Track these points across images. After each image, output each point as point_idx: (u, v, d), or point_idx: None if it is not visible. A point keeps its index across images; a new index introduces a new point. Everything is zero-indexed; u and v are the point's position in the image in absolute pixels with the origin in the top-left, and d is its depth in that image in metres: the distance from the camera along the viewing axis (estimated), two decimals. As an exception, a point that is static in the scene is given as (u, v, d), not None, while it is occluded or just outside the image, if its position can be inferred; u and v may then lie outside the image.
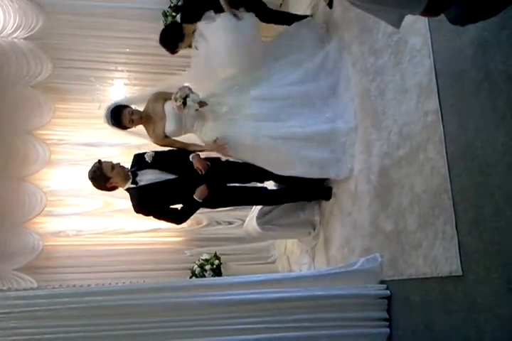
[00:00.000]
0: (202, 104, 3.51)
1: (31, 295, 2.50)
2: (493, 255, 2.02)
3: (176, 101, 3.43)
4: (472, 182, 2.14)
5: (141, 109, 3.63)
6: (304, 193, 3.76)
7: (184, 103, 3.41)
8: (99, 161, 3.37)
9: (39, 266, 4.86)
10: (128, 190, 3.40)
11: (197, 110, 3.49)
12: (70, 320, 2.43)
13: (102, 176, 3.32)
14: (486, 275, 2.05)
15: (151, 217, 3.53)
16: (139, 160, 3.48)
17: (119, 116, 3.52)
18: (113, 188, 3.43)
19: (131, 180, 3.37)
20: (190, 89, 3.48)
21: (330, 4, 3.82)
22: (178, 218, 3.53)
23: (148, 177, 3.41)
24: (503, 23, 1.96)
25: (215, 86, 3.72)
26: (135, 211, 3.44)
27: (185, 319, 2.54)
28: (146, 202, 3.37)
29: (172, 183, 3.41)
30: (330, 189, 3.63)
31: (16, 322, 2.41)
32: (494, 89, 2.03)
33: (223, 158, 3.70)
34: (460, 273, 2.20)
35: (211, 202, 3.56)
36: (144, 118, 3.57)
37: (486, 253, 2.06)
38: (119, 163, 3.39)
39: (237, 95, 3.62)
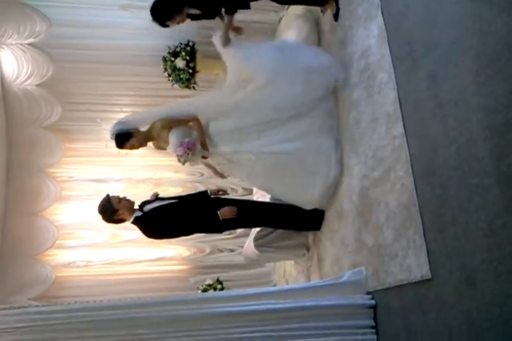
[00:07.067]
0: (203, 158, 3.81)
1: (49, 310, 2.77)
2: (454, 258, 2.30)
3: (178, 161, 3.72)
4: (434, 195, 2.46)
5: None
6: (297, 221, 3.95)
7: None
8: (108, 195, 3.66)
9: (52, 296, 5.10)
10: (134, 221, 3.63)
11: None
12: (85, 332, 2.70)
13: (110, 208, 3.58)
14: (450, 276, 2.33)
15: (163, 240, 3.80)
16: (144, 202, 3.78)
17: (121, 143, 3.76)
18: (121, 220, 3.68)
19: (138, 211, 3.64)
20: (190, 148, 3.61)
21: (336, 16, 3.76)
22: (186, 232, 3.90)
23: (152, 206, 3.69)
24: (448, 58, 2.34)
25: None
26: (146, 236, 3.71)
27: (189, 329, 2.80)
28: (154, 225, 3.62)
29: (174, 205, 3.71)
30: (321, 216, 3.85)
31: (36, 335, 2.67)
32: (444, 115, 2.37)
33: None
34: (429, 276, 2.48)
35: (217, 225, 3.75)
36: (146, 143, 3.86)
37: (448, 257, 2.35)
38: (125, 197, 3.68)
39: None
